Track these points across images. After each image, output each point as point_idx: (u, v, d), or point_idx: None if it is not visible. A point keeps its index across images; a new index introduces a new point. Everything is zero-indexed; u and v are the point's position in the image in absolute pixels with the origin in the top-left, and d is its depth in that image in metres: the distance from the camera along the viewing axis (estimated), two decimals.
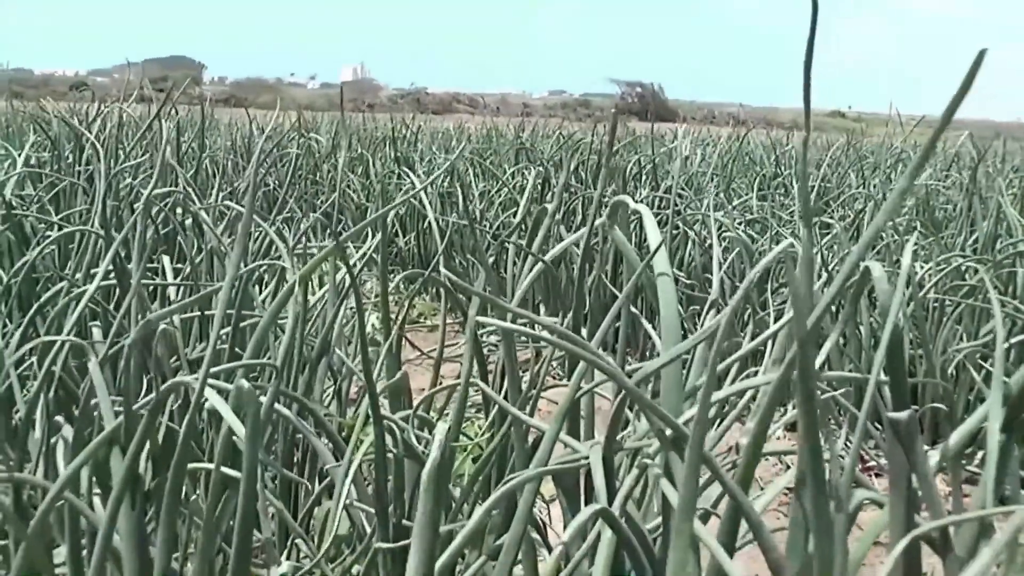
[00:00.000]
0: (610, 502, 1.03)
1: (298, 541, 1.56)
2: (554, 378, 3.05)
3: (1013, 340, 2.60)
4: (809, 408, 0.86)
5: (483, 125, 9.41)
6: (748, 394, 1.30)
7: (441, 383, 1.66)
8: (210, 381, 1.29)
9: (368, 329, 2.80)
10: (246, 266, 1.96)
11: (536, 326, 1.12)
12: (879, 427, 1.98)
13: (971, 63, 0.77)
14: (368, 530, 1.41)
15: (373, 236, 2.33)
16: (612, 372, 0.95)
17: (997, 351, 1.07)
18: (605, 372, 0.95)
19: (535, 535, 1.49)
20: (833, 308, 2.90)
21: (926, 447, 1.02)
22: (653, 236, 1.23)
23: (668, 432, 1.01)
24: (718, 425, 1.35)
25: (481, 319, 1.04)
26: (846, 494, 0.92)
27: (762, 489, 1.29)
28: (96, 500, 1.29)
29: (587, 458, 1.10)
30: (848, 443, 2.39)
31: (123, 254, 2.05)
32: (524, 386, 1.40)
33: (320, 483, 1.71)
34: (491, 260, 4.00)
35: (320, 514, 1.66)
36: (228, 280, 1.07)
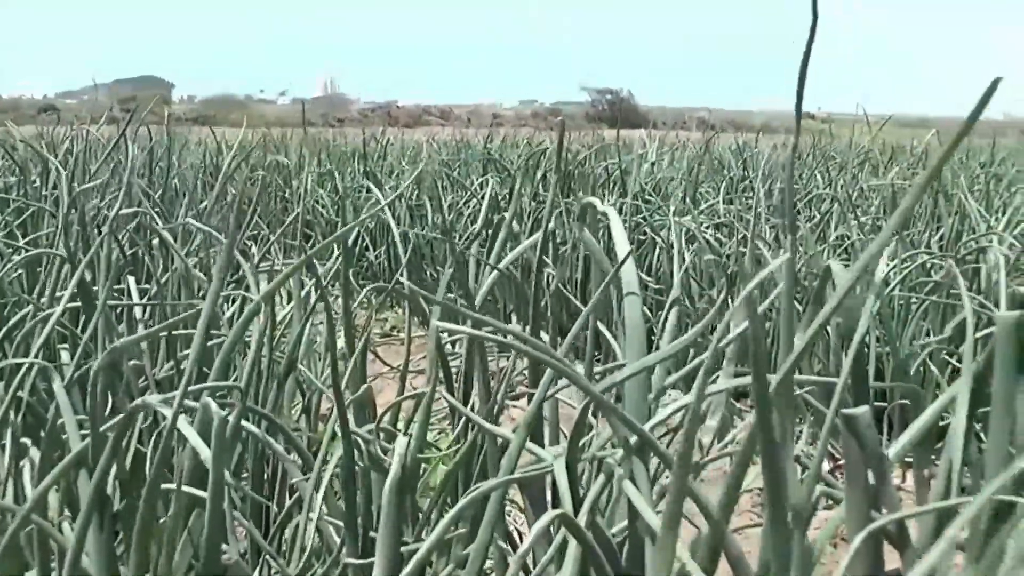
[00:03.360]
0: (576, 509, 1.04)
1: (269, 558, 1.57)
2: (527, 387, 3.06)
3: (978, 335, 2.62)
4: (763, 408, 0.87)
5: (453, 137, 9.42)
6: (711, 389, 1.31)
7: (405, 395, 1.66)
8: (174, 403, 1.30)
9: (340, 344, 2.80)
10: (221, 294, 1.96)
11: (496, 334, 1.13)
12: None
13: (985, 89, 0.79)
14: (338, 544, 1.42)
15: (339, 250, 2.34)
16: (576, 378, 0.96)
17: (967, 343, 1.08)
18: (569, 379, 0.96)
19: (506, 545, 1.50)
20: (801, 309, 2.92)
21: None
22: (620, 238, 1.25)
23: (632, 439, 1.02)
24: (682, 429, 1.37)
25: (443, 324, 1.05)
26: (809, 492, 0.93)
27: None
28: (66, 524, 1.29)
29: (552, 466, 1.11)
30: (808, 440, 2.42)
31: (90, 277, 2.05)
32: (495, 395, 1.41)
33: (291, 499, 1.72)
34: (460, 270, 4.02)
35: (291, 530, 1.66)
36: (205, 313, 1.08)
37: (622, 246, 1.25)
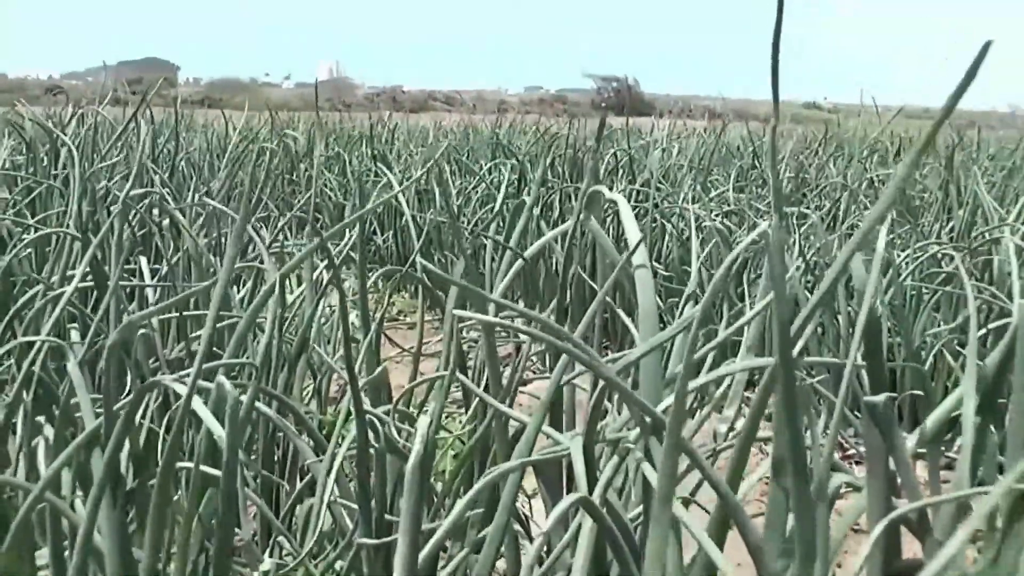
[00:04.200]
0: (591, 492, 1.04)
1: (281, 539, 1.56)
2: (534, 372, 3.06)
3: (991, 326, 2.62)
4: (788, 394, 0.86)
5: (460, 122, 9.41)
6: (726, 382, 1.31)
7: (421, 379, 1.66)
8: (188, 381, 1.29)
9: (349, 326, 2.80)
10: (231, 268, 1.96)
11: (515, 319, 1.13)
12: (859, 415, 1.98)
13: (976, 55, 0.78)
14: (350, 526, 1.42)
15: (350, 234, 2.33)
16: (591, 362, 0.95)
17: (971, 336, 1.08)
18: (584, 363, 0.96)
19: (518, 528, 1.49)
20: (809, 295, 2.92)
21: (905, 433, 1.03)
22: (630, 226, 1.24)
23: (647, 420, 1.01)
24: (697, 413, 1.36)
25: (460, 312, 1.04)
26: (825, 478, 0.93)
27: (743, 478, 1.30)
28: (79, 502, 1.28)
29: (568, 449, 1.11)
30: (827, 431, 2.41)
31: (100, 256, 2.04)
32: (505, 380, 1.41)
33: (302, 480, 1.71)
34: (471, 256, 4.01)
35: (302, 512, 1.66)
36: (220, 286, 1.07)
37: (633, 233, 1.25)
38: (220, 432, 1.14)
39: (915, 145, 0.83)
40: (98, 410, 1.25)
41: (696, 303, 1.35)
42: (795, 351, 0.96)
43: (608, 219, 3.72)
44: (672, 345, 1.35)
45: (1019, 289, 1.64)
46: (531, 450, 1.15)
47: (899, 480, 0.98)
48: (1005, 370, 1.01)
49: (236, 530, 1.27)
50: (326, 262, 2.04)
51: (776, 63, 0.93)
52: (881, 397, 0.95)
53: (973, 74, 0.78)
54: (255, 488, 1.73)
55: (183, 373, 1.27)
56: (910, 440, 1.03)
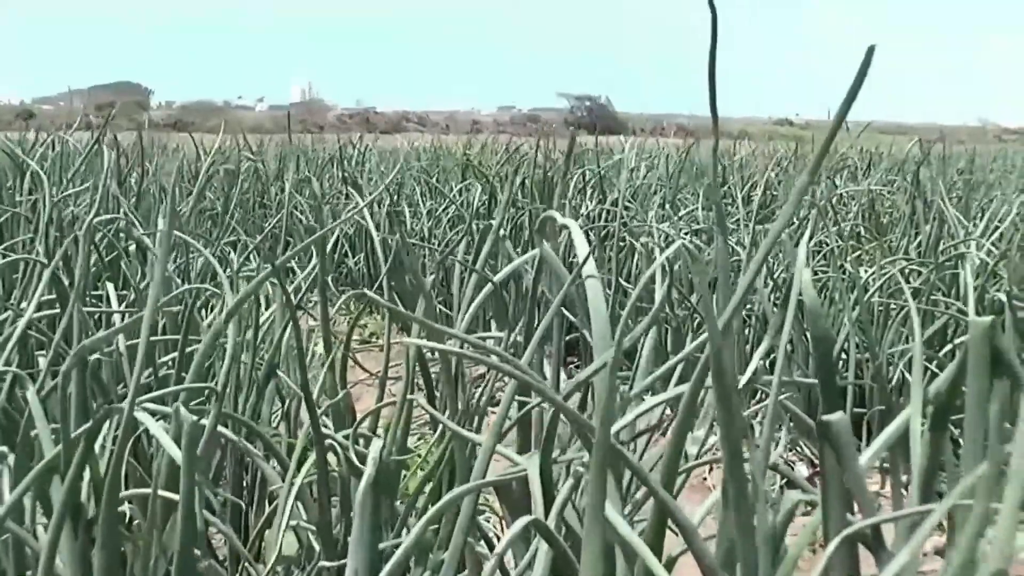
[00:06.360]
0: (548, 513, 1.04)
1: (248, 565, 1.56)
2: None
3: (956, 341, 2.64)
4: (727, 411, 0.87)
5: (432, 143, 9.42)
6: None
7: (385, 402, 1.66)
8: (152, 406, 1.30)
9: (319, 350, 2.80)
10: (187, 286, 1.96)
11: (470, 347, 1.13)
12: None
13: (862, 59, 0.80)
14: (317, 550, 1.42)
15: (318, 256, 2.33)
16: (538, 387, 0.96)
17: (915, 357, 1.09)
18: (533, 388, 0.96)
19: (484, 550, 1.50)
20: (775, 311, 2.93)
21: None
22: (581, 247, 1.25)
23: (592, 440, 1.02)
24: (661, 433, 1.37)
25: (420, 343, 1.05)
26: (761, 490, 0.94)
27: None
28: (40, 530, 1.28)
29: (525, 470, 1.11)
30: (787, 446, 2.43)
31: (68, 282, 2.04)
32: (475, 402, 1.41)
33: (271, 506, 1.71)
34: (441, 277, 4.01)
35: (270, 536, 1.66)
36: (151, 301, 1.08)
37: (583, 253, 1.26)
38: (178, 454, 1.14)
39: (818, 150, 0.85)
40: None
41: (654, 321, 1.36)
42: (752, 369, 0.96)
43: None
44: (638, 363, 1.35)
45: (974, 304, 1.66)
46: (485, 471, 1.16)
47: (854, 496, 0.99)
48: (958, 385, 1.02)
49: (198, 555, 1.27)
50: (293, 286, 2.04)
51: (713, 89, 0.94)
52: (836, 416, 0.96)
53: (861, 79, 0.80)
54: (222, 514, 1.72)
55: (142, 398, 1.27)
56: (864, 457, 1.04)
